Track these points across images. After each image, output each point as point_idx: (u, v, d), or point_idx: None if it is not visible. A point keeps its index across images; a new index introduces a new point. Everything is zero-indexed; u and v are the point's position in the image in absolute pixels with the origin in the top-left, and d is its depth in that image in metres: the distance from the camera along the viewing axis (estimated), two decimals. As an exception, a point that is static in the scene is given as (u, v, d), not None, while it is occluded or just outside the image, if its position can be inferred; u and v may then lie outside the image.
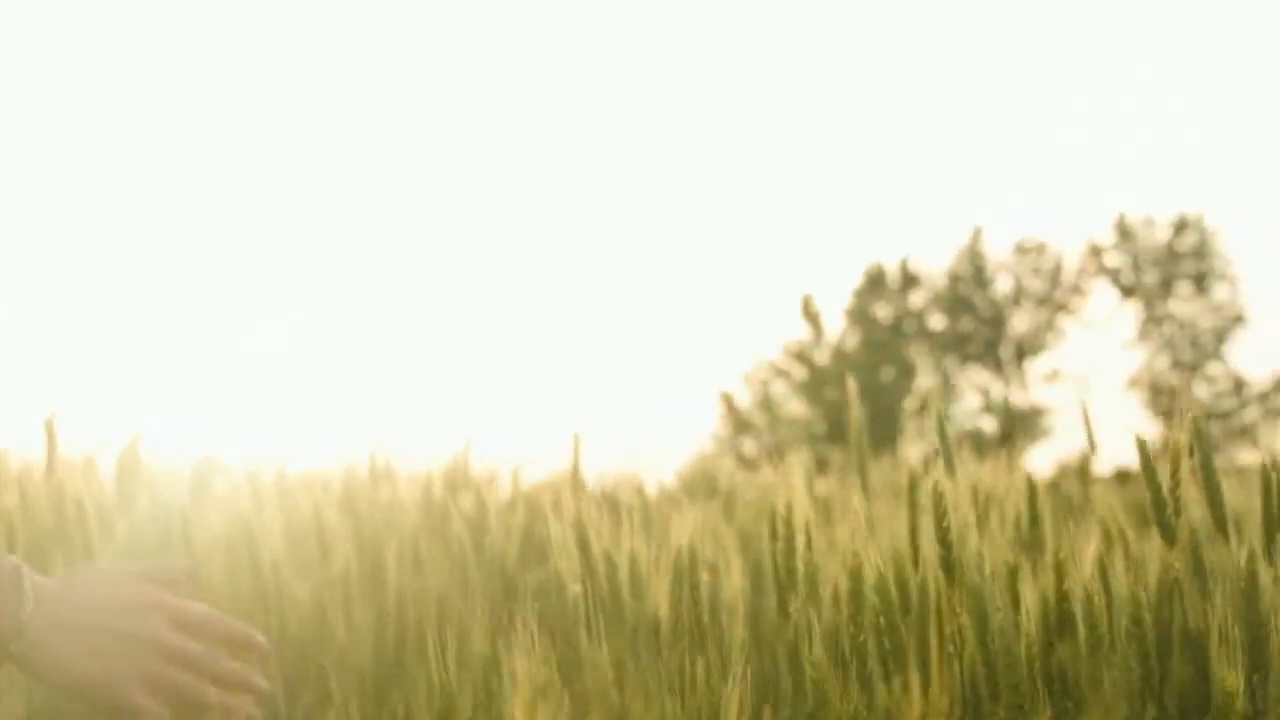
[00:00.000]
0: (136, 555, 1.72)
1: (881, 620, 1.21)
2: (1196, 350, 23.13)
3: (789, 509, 1.26)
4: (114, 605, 1.27)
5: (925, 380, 23.72)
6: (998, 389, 23.60)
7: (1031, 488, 1.54)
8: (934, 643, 1.19)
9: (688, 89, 28.60)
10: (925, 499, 1.28)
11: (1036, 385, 23.52)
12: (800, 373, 23.74)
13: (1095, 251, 23.84)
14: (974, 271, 24.07)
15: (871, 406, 23.52)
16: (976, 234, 24.22)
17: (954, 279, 24.09)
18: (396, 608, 1.72)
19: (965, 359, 23.81)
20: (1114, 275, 23.77)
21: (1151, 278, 23.52)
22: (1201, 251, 23.41)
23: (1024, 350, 23.60)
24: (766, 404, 23.79)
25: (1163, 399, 22.83)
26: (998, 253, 24.48)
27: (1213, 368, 23.10)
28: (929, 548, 1.24)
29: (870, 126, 29.94)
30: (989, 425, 23.24)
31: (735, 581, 1.37)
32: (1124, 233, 23.58)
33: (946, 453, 1.36)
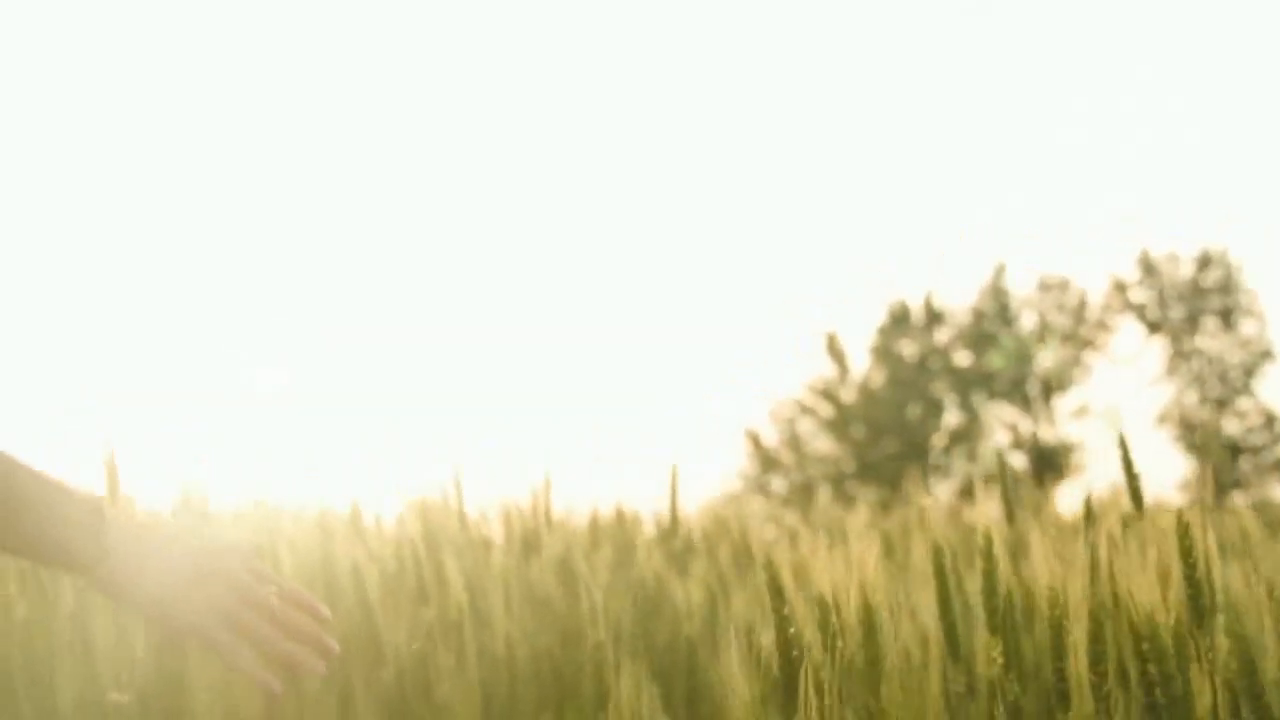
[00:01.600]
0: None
1: (1152, 669, 1.11)
2: (1225, 385, 22.97)
3: (988, 541, 1.17)
4: (195, 547, 1.30)
5: (952, 417, 23.62)
6: (1026, 425, 23.47)
7: (1183, 522, 1.45)
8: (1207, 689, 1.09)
9: (711, 123, 28.58)
10: (1110, 534, 1.19)
11: (1065, 421, 23.39)
12: (826, 410, 23.65)
13: (1119, 287, 23.73)
14: (998, 308, 23.97)
15: (898, 443, 23.49)
16: (999, 270, 24.13)
17: (978, 315, 24.00)
18: (507, 655, 1.65)
19: (992, 395, 23.68)
20: (1139, 311, 23.65)
21: (1177, 313, 23.39)
22: (1227, 287, 23.27)
23: (1051, 386, 23.48)
24: (794, 442, 23.69)
25: (1192, 434, 22.70)
26: (1021, 289, 24.38)
27: (1242, 403, 22.94)
28: (1156, 587, 1.14)
29: (889, 162, 29.91)
30: (1018, 462, 23.11)
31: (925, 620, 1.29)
32: (1148, 268, 23.46)
33: (1134, 488, 1.27)
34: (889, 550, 1.90)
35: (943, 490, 22.22)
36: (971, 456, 23.47)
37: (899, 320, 24.00)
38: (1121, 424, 22.80)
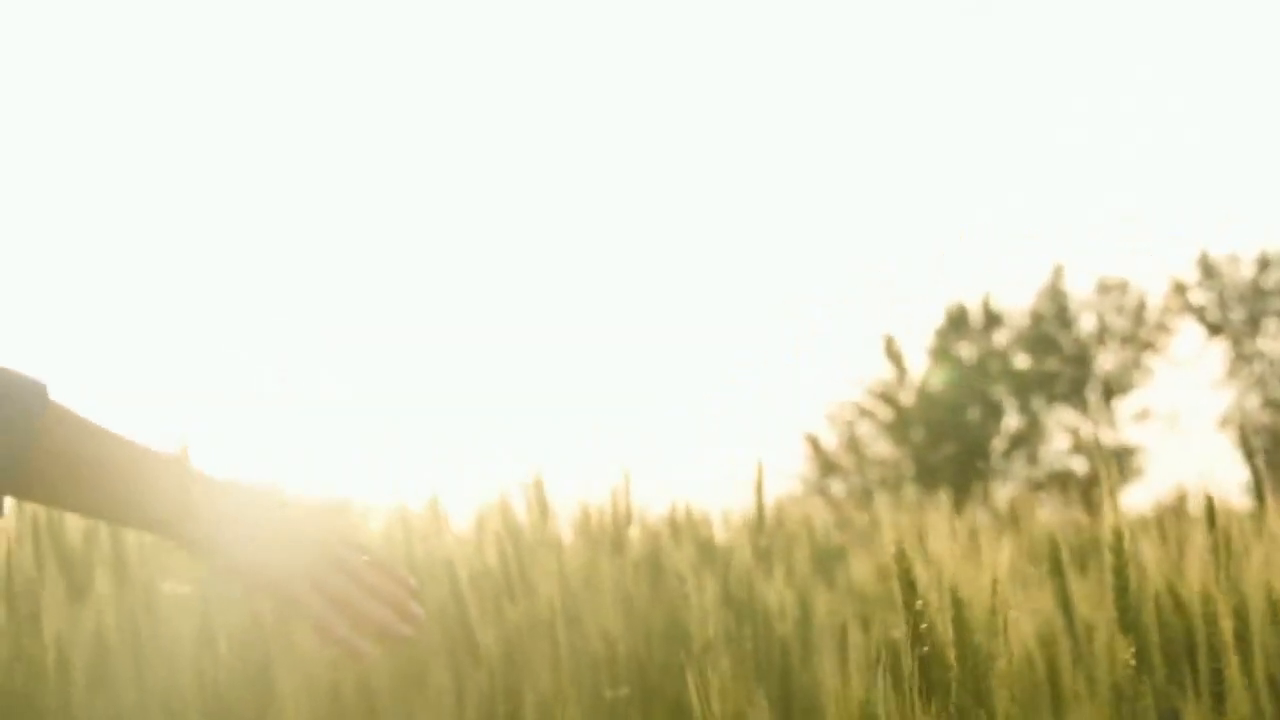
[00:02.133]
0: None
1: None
2: (1288, 387, 22.74)
3: (1118, 536, 1.13)
4: (281, 509, 1.29)
5: (1012, 420, 23.46)
6: (1086, 429, 23.28)
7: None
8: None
9: (712, 122, 28.49)
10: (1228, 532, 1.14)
11: (1125, 425, 23.19)
12: (885, 413, 23.53)
13: (1179, 289, 23.51)
14: (1057, 310, 23.80)
15: (957, 446, 23.35)
16: (1057, 272, 23.96)
17: (1037, 318, 23.84)
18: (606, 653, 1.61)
19: (1052, 399, 23.51)
20: (1199, 313, 23.44)
21: (1238, 315, 23.16)
22: (1289, 288, 23.07)
23: (1111, 389, 23.28)
24: (853, 445, 23.59)
25: (1256, 438, 22.46)
26: (1080, 291, 24.20)
27: (1306, 405, 22.70)
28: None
29: (889, 162, 29.75)
30: (1079, 465, 22.93)
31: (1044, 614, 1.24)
32: (1208, 270, 23.23)
33: (1258, 484, 1.22)
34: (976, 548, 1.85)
35: (1002, 494, 22.06)
36: (1032, 460, 23.30)
37: (957, 323, 23.86)
38: (1179, 430, 22.59)
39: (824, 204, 28.93)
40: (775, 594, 1.75)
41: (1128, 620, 1.11)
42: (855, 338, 25.24)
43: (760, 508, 2.09)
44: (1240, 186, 28.39)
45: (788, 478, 23.16)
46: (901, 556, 1.14)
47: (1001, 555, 1.09)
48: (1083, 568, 1.41)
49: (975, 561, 1.22)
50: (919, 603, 1.15)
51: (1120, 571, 1.11)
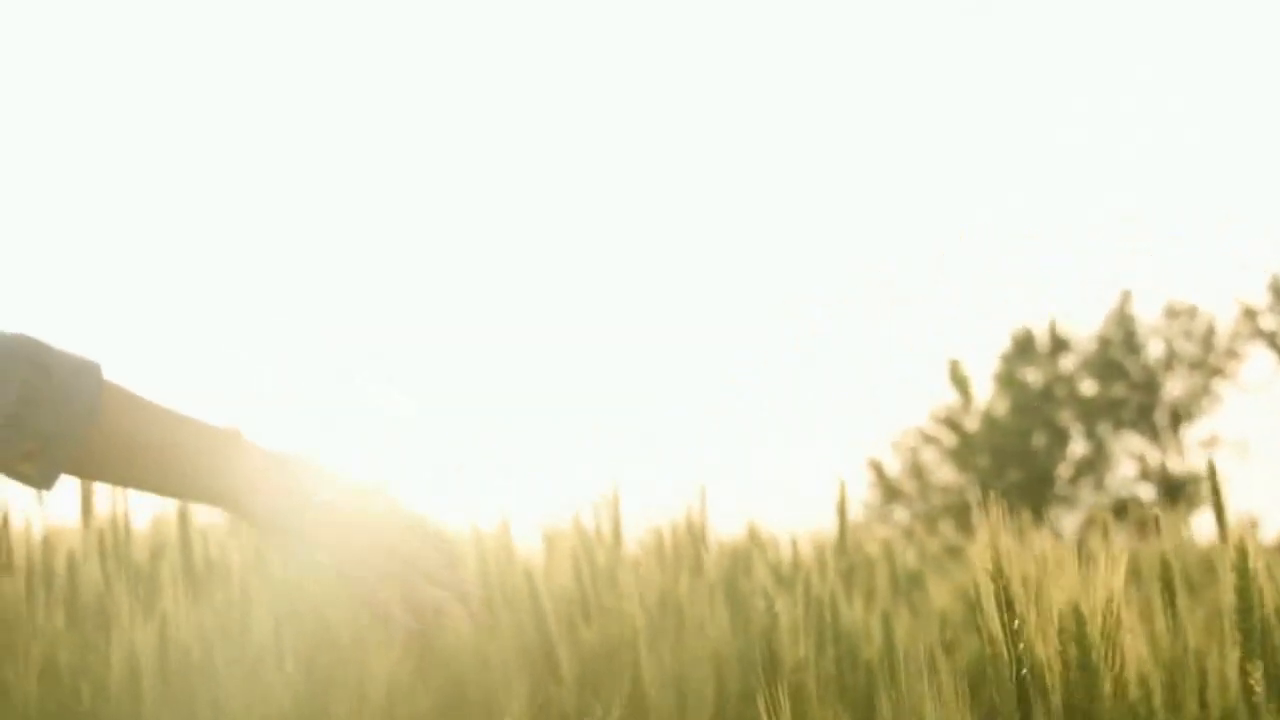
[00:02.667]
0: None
1: None
2: (1361, 414, 22.44)
3: (1242, 554, 1.07)
4: (343, 484, 1.27)
5: (1078, 446, 23.25)
6: (1154, 455, 23.05)
7: None
8: None
9: (711, 121, 28.42)
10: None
11: (1194, 451, 22.94)
12: (950, 439, 23.38)
13: (1249, 314, 23.26)
14: (1124, 335, 23.60)
15: (1023, 473, 23.16)
16: (1125, 297, 23.76)
17: (1104, 343, 23.64)
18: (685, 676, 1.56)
19: (1119, 425, 23.29)
20: (1270, 338, 23.17)
21: (1311, 340, 22.93)
22: (1362, 313, 22.81)
23: (1180, 416, 23.04)
24: (917, 471, 23.45)
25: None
26: (1148, 316, 23.97)
27: (1379, 432, 22.38)
28: None
29: (888, 163, 29.59)
30: (1146, 492, 22.70)
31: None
32: (1278, 293, 23.00)
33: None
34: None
35: (1069, 521, 21.85)
36: (1098, 487, 23.07)
37: (1023, 347, 23.70)
38: (1249, 457, 22.33)
39: (826, 207, 28.76)
40: (859, 617, 1.70)
41: (1252, 644, 1.05)
42: (978, 365, 24.97)
43: (843, 529, 2.05)
44: (1240, 187, 28.14)
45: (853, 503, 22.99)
46: (999, 572, 1.09)
47: (1114, 575, 1.03)
48: (1191, 589, 1.35)
49: (1073, 581, 1.16)
50: (1017, 622, 1.09)
51: (1244, 592, 1.05)
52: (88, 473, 1.23)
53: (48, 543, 1.66)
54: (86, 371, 1.20)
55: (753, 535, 2.11)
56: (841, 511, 1.99)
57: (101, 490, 1.72)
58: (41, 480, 1.20)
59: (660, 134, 28.46)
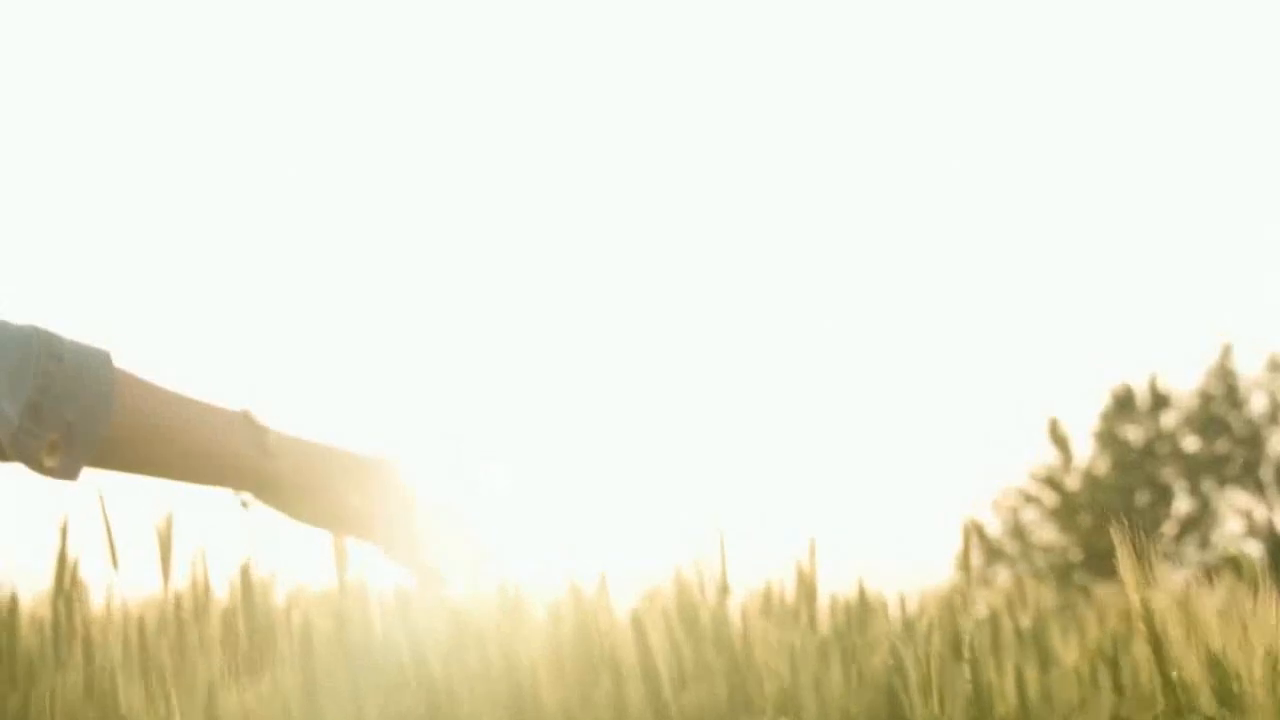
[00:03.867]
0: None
1: None
2: None
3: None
4: (353, 458, 1.32)
5: (1182, 504, 22.91)
6: (1260, 512, 22.65)
7: None
8: None
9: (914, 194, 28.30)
10: None
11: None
12: (1050, 499, 23.11)
13: (1354, 365, 22.94)
14: (1226, 390, 23.29)
15: (1126, 531, 22.78)
16: (1226, 350, 23.47)
17: (1205, 398, 23.34)
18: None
19: (1223, 481, 22.94)
20: (1376, 389, 22.81)
21: None
22: None
23: (1286, 471, 22.67)
24: (1017, 531, 23.19)
25: None
26: (1250, 369, 23.63)
27: None
28: None
29: (1108, 237, 29.27)
30: (1254, 550, 22.31)
31: None
32: (1385, 345, 22.63)
33: None
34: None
35: (1176, 579, 21.50)
36: (1203, 544, 22.69)
37: (1123, 404, 23.44)
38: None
39: (1058, 324, 28.50)
40: (990, 674, 1.63)
41: None
42: (1077, 422, 24.61)
43: (968, 577, 1.98)
44: None
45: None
46: (1148, 616, 1.03)
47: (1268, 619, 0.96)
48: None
49: (1221, 631, 1.10)
50: (1175, 673, 1.03)
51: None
52: (110, 462, 1.24)
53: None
54: (98, 359, 1.21)
55: (863, 591, 2.04)
56: (966, 558, 1.92)
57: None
58: (65, 472, 1.21)
59: (877, 260, 28.53)
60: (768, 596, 1.98)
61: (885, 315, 29.06)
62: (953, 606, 1.98)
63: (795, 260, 28.29)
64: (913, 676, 1.24)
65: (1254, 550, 22.35)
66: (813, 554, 1.92)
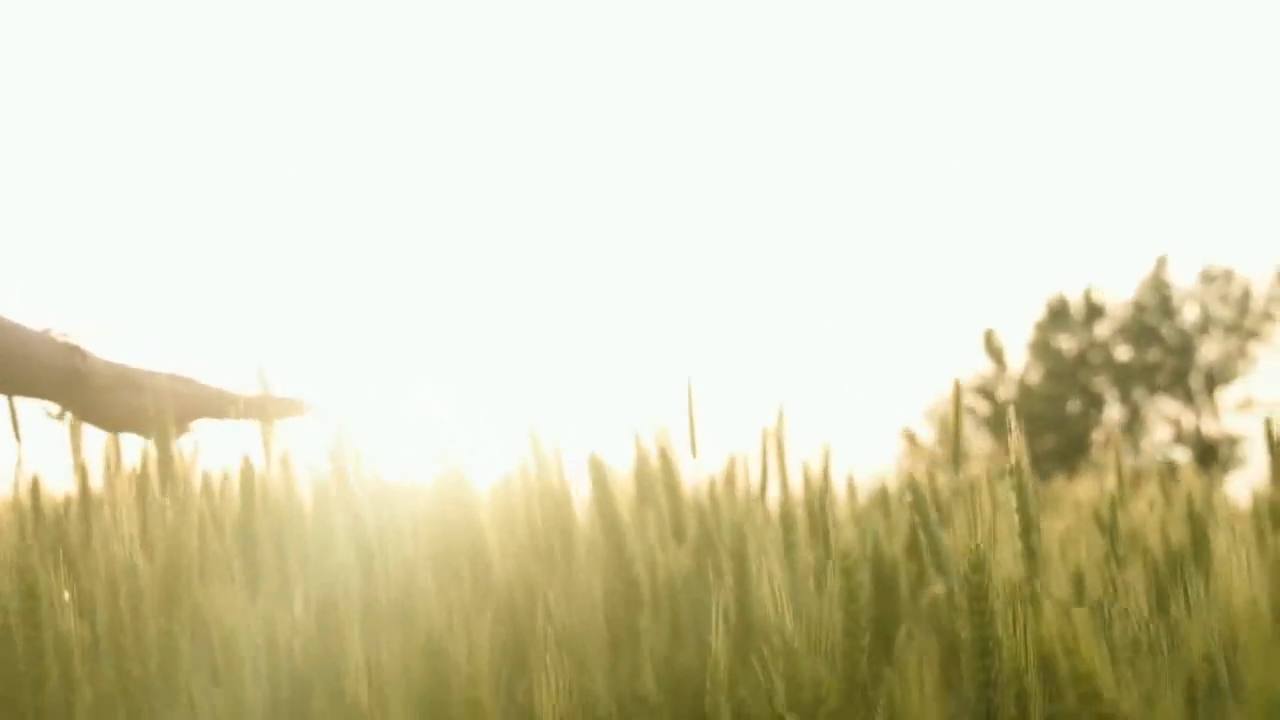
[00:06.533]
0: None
1: None
2: (1398, 374, 22.32)
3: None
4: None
5: (1113, 412, 23.24)
6: (1189, 419, 23.01)
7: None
8: None
9: (862, 110, 28.29)
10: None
11: (1229, 414, 22.89)
12: (983, 408, 23.39)
13: (1285, 276, 23.17)
14: (1159, 301, 23.51)
15: (1058, 439, 23.13)
16: (1160, 262, 23.67)
17: (1139, 309, 23.56)
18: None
19: (1154, 390, 23.25)
20: (1306, 300, 23.08)
21: (1346, 301, 22.81)
22: (1398, 272, 22.67)
23: (1214, 379, 22.99)
24: (951, 440, 23.43)
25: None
26: (1183, 281, 23.87)
27: None
28: None
29: (1045, 151, 29.40)
30: (1181, 456, 22.67)
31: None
32: (1315, 256, 22.89)
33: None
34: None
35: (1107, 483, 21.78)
36: (1134, 451, 23.04)
37: (1057, 315, 23.66)
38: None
39: (998, 236, 28.54)
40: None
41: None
42: (1012, 333, 24.62)
43: (957, 439, 1.96)
44: None
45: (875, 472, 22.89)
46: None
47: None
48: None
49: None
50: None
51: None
52: None
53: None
54: None
55: (825, 473, 1.95)
56: (956, 419, 1.89)
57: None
58: None
59: (826, 168, 28.34)
60: (731, 471, 1.93)
61: (819, 230, 29.10)
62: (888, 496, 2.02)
63: (724, 184, 28.26)
64: (885, 550, 1.30)
65: (1182, 456, 22.72)
66: (781, 423, 1.89)
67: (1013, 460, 1.23)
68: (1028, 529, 1.09)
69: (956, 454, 1.67)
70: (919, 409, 23.72)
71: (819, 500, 1.45)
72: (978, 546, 1.01)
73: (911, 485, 1.29)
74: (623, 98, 28.47)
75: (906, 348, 27.93)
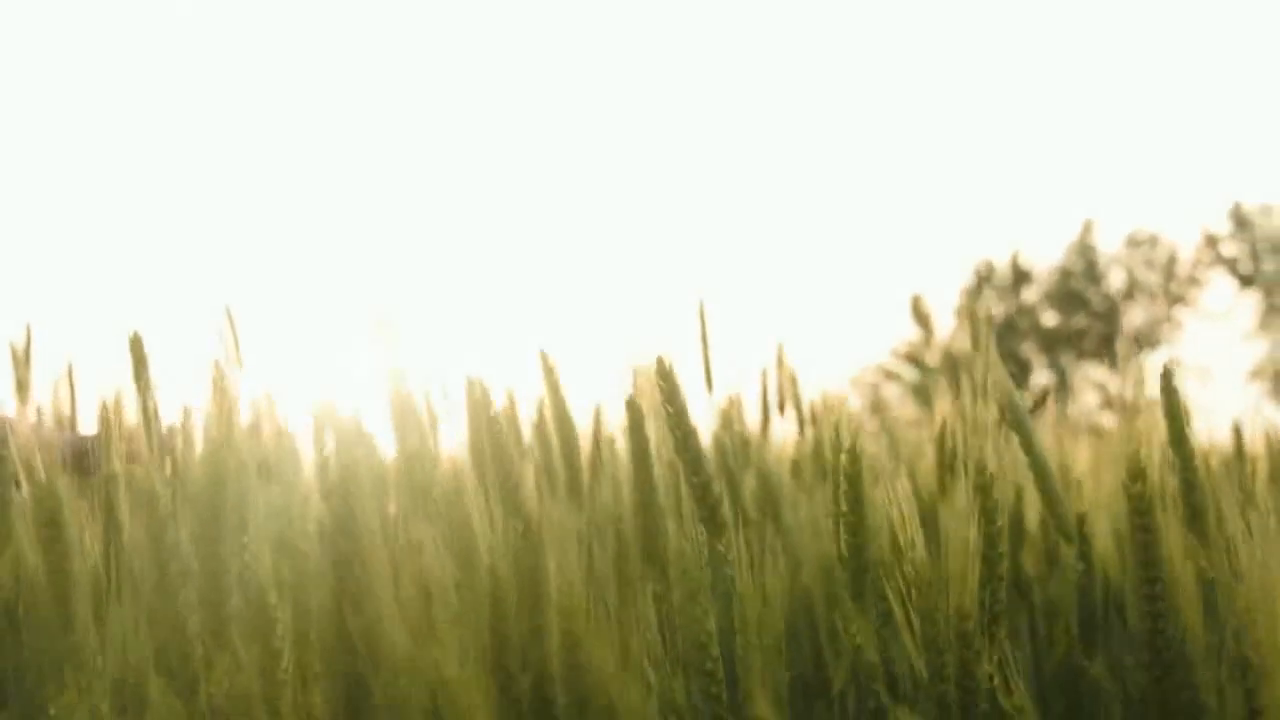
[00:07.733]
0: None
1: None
2: (1322, 339, 22.49)
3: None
4: None
5: (1041, 377, 23.27)
6: (1115, 385, 23.08)
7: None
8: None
9: (783, 81, 28.24)
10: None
11: (1155, 379, 22.97)
12: (911, 375, 23.37)
13: (1211, 241, 23.26)
14: (1086, 266, 23.59)
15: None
16: (1087, 227, 23.73)
17: (1065, 274, 23.63)
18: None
19: (1080, 355, 23.31)
20: (1231, 265, 23.18)
21: (1271, 266, 22.92)
22: (1323, 238, 22.82)
23: (1141, 344, 23.07)
24: (877, 407, 23.43)
25: (1288, 389, 22.19)
26: (1109, 246, 23.95)
27: (1339, 356, 22.44)
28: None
29: (970, 117, 29.45)
30: (1108, 421, 22.73)
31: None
32: (1240, 221, 22.96)
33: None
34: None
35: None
36: (1061, 417, 23.10)
37: (985, 280, 23.67)
38: (1210, 382, 22.35)
39: (923, 201, 28.61)
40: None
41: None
42: (939, 298, 24.75)
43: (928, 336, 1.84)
44: (1274, 134, 28.03)
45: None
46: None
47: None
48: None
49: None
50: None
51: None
52: None
53: None
54: None
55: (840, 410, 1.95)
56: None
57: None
58: None
59: (756, 130, 28.28)
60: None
61: (745, 197, 29.06)
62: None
63: (674, 136, 28.15)
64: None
65: (1109, 422, 22.80)
66: (781, 359, 1.88)
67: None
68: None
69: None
70: (845, 376, 23.73)
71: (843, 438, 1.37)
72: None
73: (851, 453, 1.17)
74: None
75: (833, 314, 27.87)
